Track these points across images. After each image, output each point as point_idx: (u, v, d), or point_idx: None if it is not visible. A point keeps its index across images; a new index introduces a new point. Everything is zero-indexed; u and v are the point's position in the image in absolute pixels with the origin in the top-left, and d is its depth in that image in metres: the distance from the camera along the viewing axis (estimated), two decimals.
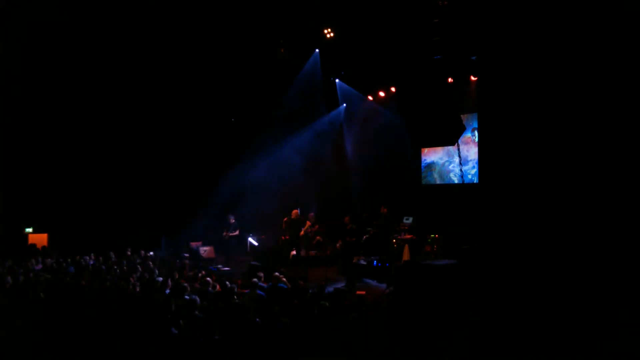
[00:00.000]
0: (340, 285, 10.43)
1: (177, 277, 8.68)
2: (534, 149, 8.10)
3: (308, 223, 13.73)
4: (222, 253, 14.23)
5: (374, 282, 11.05)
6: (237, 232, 14.44)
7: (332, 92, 15.46)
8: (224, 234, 14.30)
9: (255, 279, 8.08)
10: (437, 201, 13.53)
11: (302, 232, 13.55)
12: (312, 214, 14.16)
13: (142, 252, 12.11)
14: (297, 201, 14.31)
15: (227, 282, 8.29)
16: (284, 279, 8.55)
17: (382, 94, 14.66)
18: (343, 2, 11.03)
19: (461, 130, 9.13)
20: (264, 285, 8.15)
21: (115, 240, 12.61)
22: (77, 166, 14.00)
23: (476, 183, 12.66)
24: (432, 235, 11.64)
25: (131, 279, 8.65)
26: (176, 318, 5.90)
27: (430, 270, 9.19)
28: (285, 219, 13.51)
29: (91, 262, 10.78)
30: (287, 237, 13.49)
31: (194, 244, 14.22)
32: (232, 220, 14.38)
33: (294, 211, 13.39)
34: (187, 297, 6.84)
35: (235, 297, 7.31)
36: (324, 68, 14.36)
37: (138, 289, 7.86)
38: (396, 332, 6.44)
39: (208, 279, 8.38)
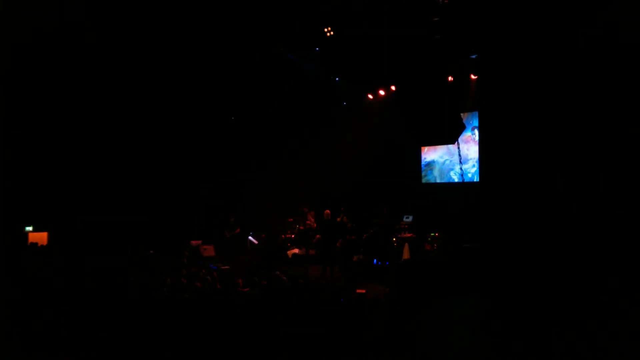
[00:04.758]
0: (340, 284, 10.42)
1: (177, 276, 8.67)
2: (534, 148, 8.11)
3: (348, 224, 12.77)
4: (222, 252, 14.23)
5: (373, 281, 11.04)
6: (237, 231, 14.44)
7: (332, 92, 15.44)
8: (225, 232, 14.31)
9: (255, 278, 8.08)
10: (437, 200, 13.52)
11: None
12: (312, 212, 14.17)
13: (142, 250, 12.10)
14: (297, 200, 14.30)
15: (227, 281, 8.29)
16: (284, 278, 8.55)
17: (382, 92, 14.64)
18: (343, 1, 11.01)
19: (461, 128, 9.14)
20: (264, 283, 8.14)
21: (115, 239, 12.61)
22: (77, 164, 14.00)
23: (476, 182, 12.67)
24: (432, 234, 11.65)
25: (131, 277, 8.66)
26: (176, 318, 5.89)
27: (429, 268, 9.22)
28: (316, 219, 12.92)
29: (91, 262, 10.77)
30: (319, 237, 12.77)
31: (194, 243, 14.22)
32: (233, 219, 14.39)
33: (326, 211, 12.69)
34: (187, 296, 6.84)
35: (235, 296, 7.30)
36: (324, 67, 14.33)
37: (138, 288, 7.85)
38: (396, 330, 6.44)
39: (208, 277, 8.37)
